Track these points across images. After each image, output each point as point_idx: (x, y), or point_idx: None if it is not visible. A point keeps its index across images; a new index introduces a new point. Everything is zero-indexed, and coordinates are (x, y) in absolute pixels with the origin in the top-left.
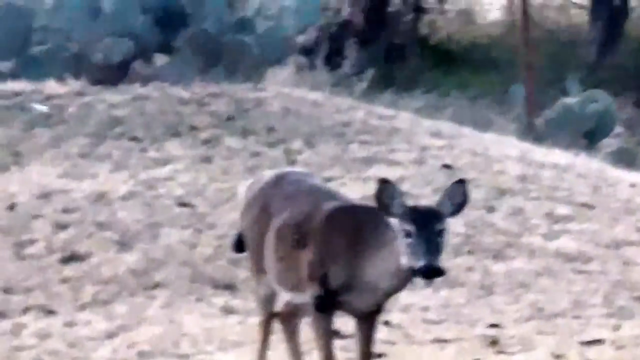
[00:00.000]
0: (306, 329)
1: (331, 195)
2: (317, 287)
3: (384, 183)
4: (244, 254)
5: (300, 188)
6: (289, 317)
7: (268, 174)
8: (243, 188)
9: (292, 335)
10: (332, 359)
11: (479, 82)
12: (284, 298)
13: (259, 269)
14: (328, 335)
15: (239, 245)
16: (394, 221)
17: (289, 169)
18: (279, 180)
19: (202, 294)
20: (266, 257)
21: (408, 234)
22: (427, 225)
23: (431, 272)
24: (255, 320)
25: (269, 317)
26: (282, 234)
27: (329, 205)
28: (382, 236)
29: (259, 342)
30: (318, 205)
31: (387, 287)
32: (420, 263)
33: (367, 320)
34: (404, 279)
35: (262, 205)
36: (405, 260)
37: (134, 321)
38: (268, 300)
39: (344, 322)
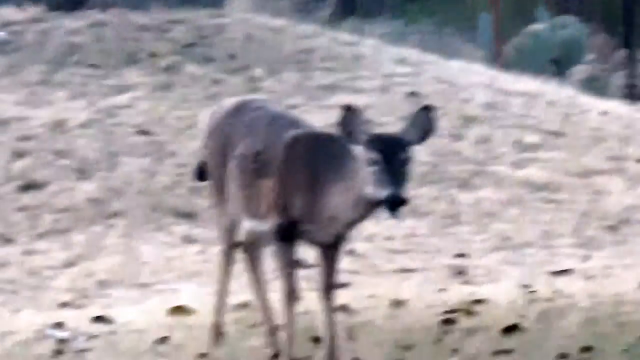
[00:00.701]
0: (269, 258)
1: (293, 123)
2: (278, 217)
3: (347, 110)
4: (205, 183)
5: (261, 116)
6: (251, 247)
7: (229, 102)
8: (204, 116)
9: (254, 265)
10: (294, 289)
11: (446, 9)
12: (246, 227)
13: (220, 198)
14: (290, 265)
15: (201, 173)
16: (358, 149)
17: (250, 96)
18: (240, 108)
19: (161, 223)
20: (227, 186)
21: (373, 163)
22: (392, 153)
23: (396, 202)
24: (216, 249)
25: (231, 246)
26: (243, 163)
27: (290, 133)
28: (344, 166)
29: (220, 272)
30: (279, 133)
31: (349, 218)
32: (385, 192)
33: (330, 250)
34: (367, 209)
35: (222, 133)
36: (369, 190)
37: (92, 250)
38: (230, 229)
39: (308, 252)
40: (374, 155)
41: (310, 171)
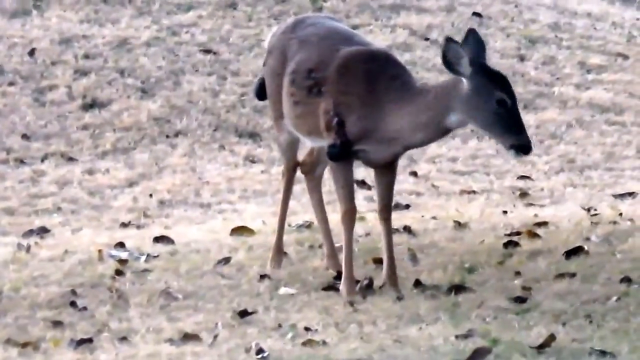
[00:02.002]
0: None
1: (347, 39)
2: (333, 136)
3: (448, 42)
4: (266, 101)
5: (314, 32)
6: (311, 167)
7: (283, 23)
8: (268, 35)
9: (314, 185)
10: (352, 208)
11: None
12: (306, 145)
13: (278, 115)
14: (348, 184)
15: (261, 91)
16: (462, 81)
17: (309, 14)
18: (297, 24)
19: (224, 143)
20: (283, 102)
21: (501, 103)
22: (514, 95)
23: (529, 149)
24: (278, 169)
25: (292, 165)
26: (296, 78)
27: (343, 50)
28: (407, 89)
29: (282, 191)
30: (332, 49)
31: (414, 141)
32: (521, 140)
33: (386, 170)
34: (437, 135)
35: (279, 49)
36: (501, 134)
37: (154, 170)
38: (290, 147)
39: (369, 172)
40: (503, 95)
41: (369, 91)
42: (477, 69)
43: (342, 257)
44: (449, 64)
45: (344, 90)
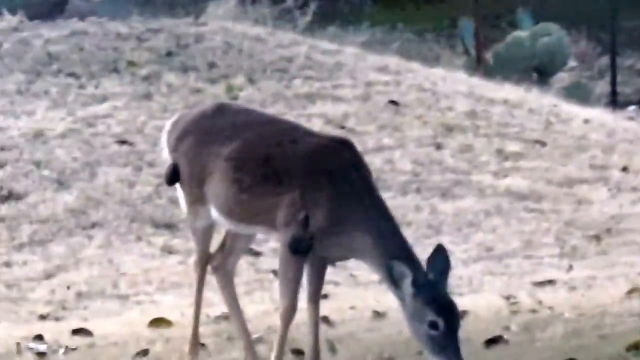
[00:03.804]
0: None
1: (295, 127)
2: (293, 229)
3: (392, 264)
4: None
5: (253, 117)
6: (223, 262)
7: (202, 106)
8: (170, 120)
9: (227, 280)
10: (294, 305)
11: (426, 16)
12: (227, 229)
13: (196, 200)
14: (296, 280)
15: (175, 175)
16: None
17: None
18: (221, 109)
19: (141, 234)
20: (211, 187)
21: (434, 326)
22: (453, 320)
23: None
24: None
25: (206, 255)
26: (244, 165)
27: (309, 142)
28: (372, 228)
29: (196, 282)
30: (288, 138)
31: (367, 262)
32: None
33: (322, 260)
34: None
35: (200, 133)
36: (433, 353)
37: (71, 261)
38: (206, 235)
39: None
40: (439, 320)
41: (337, 192)
42: (419, 290)
43: (261, 349)
44: (394, 282)
45: (313, 184)
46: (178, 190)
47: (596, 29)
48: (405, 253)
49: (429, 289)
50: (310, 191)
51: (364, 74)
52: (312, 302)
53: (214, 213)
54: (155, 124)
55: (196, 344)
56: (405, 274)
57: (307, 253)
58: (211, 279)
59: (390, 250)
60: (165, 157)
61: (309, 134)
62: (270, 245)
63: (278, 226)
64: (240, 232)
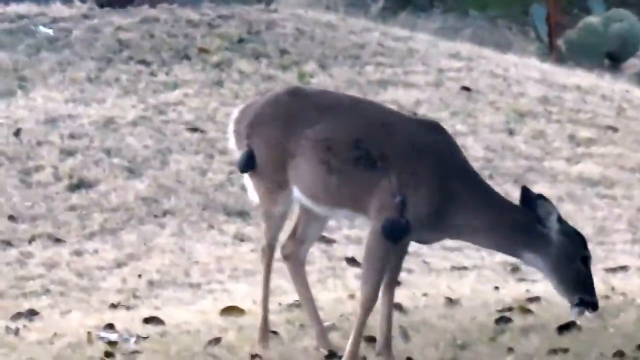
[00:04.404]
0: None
1: (378, 108)
2: (391, 212)
3: (544, 200)
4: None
5: (336, 99)
6: (294, 250)
7: (271, 93)
8: (237, 109)
9: (299, 269)
10: (377, 295)
11: (498, 2)
12: (300, 216)
13: (276, 186)
14: (383, 268)
15: (251, 162)
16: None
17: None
18: (296, 92)
19: (213, 222)
20: (296, 170)
21: (584, 260)
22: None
23: (597, 307)
24: None
25: (275, 242)
26: (334, 147)
27: (410, 127)
28: (483, 189)
29: (264, 270)
30: (384, 121)
31: (477, 243)
32: (594, 299)
33: (404, 245)
34: (505, 251)
35: (282, 116)
36: (574, 289)
37: (143, 250)
38: (281, 222)
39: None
40: (589, 256)
41: (440, 175)
42: (564, 227)
43: (334, 336)
44: (539, 219)
45: (410, 170)
46: (246, 179)
47: None
48: (518, 221)
49: (571, 227)
50: (409, 176)
51: (436, 60)
52: (388, 288)
53: (298, 196)
54: (226, 111)
55: (266, 331)
56: (551, 211)
57: (401, 239)
58: (283, 267)
59: (504, 224)
60: (232, 146)
61: (397, 116)
62: (344, 232)
63: (371, 211)
64: (323, 215)
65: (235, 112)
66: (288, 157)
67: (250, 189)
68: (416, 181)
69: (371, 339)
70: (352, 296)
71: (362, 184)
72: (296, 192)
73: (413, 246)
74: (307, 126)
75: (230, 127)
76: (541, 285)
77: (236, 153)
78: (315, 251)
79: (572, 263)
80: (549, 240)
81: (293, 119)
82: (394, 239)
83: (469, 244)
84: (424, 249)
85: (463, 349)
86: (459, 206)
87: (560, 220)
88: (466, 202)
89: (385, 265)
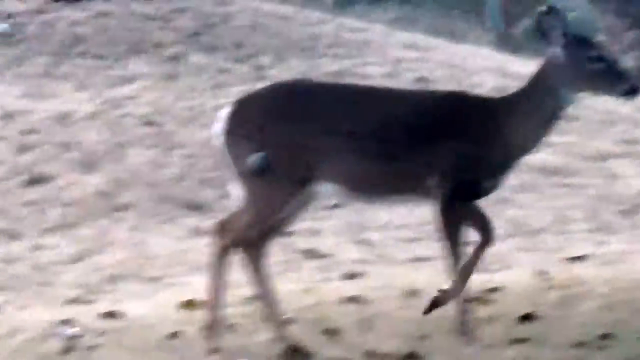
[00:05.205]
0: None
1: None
2: (454, 181)
3: (548, 11)
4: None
5: (348, 89)
6: (255, 242)
7: (268, 90)
8: (211, 105)
9: (258, 261)
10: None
11: None
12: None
13: (299, 183)
14: (459, 229)
15: (267, 165)
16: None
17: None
18: (297, 87)
19: (170, 216)
20: (330, 165)
21: (600, 59)
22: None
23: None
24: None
25: (250, 238)
26: (368, 136)
27: (438, 94)
28: (508, 105)
29: (223, 262)
30: (412, 99)
31: (538, 144)
32: (628, 84)
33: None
34: (551, 123)
35: (296, 114)
36: (608, 87)
37: (100, 244)
38: (275, 220)
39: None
40: (597, 53)
41: (485, 131)
42: (569, 38)
43: (292, 329)
44: (543, 33)
45: (460, 141)
46: (241, 182)
47: (623, 3)
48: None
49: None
50: (463, 147)
51: (392, 51)
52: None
53: (333, 191)
54: (182, 105)
55: (218, 324)
56: (556, 27)
57: (475, 197)
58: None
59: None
60: (219, 145)
61: (414, 92)
62: (302, 225)
63: (432, 189)
64: (370, 204)
65: (226, 110)
66: (314, 154)
67: (241, 191)
68: (472, 148)
69: (331, 332)
70: (308, 290)
71: (417, 167)
72: (329, 188)
73: (372, 237)
74: (332, 120)
75: (221, 126)
76: (502, 275)
77: (224, 153)
78: (273, 243)
79: (583, 68)
80: (559, 60)
81: (310, 114)
82: (466, 197)
83: (429, 234)
84: (383, 239)
85: (423, 340)
86: (510, 141)
87: (565, 34)
88: (511, 132)
89: (459, 228)
